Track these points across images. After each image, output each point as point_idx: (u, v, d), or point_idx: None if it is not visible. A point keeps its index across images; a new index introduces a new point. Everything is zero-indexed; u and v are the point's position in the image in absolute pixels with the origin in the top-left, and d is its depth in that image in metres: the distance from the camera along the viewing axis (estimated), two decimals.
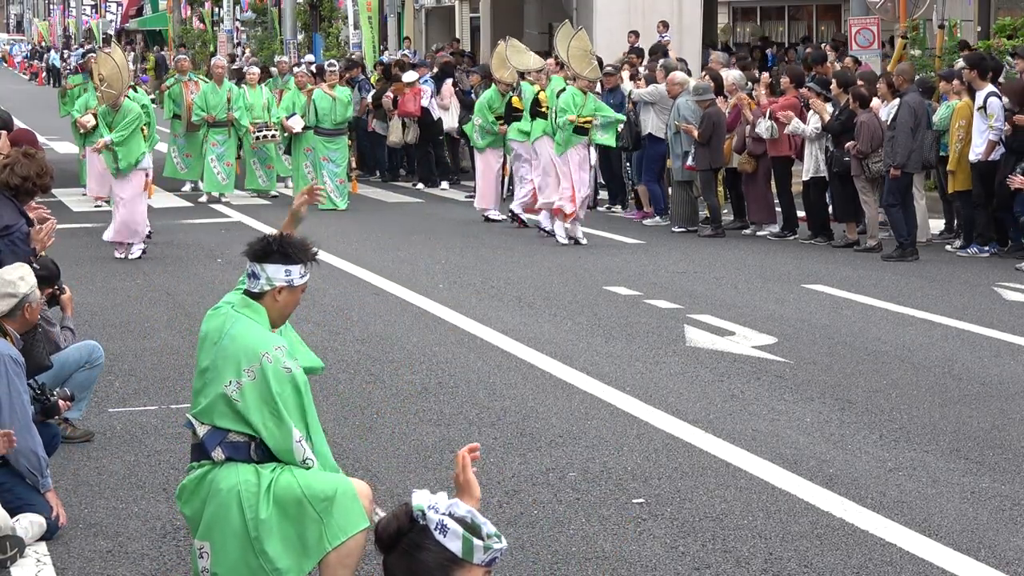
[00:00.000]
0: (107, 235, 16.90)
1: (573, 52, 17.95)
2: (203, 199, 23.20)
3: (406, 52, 33.31)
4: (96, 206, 21.70)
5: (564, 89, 18.01)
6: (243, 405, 5.74)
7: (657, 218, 19.94)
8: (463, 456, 4.10)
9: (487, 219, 20.25)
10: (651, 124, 19.40)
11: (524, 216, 19.46)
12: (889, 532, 7.28)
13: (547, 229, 18.29)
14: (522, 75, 19.93)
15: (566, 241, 17.80)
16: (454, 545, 3.68)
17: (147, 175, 16.84)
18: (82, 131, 21.26)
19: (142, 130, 16.66)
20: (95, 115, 18.67)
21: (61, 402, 8.06)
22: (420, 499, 3.71)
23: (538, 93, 19.09)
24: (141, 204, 16.78)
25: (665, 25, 28.11)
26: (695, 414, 9.56)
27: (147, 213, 17.41)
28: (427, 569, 3.67)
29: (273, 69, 28.10)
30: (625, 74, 20.64)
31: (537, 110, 18.95)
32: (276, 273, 5.85)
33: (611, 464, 8.47)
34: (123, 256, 16.78)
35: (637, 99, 19.57)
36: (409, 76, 25.12)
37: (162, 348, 11.88)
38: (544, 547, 7.14)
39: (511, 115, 19.80)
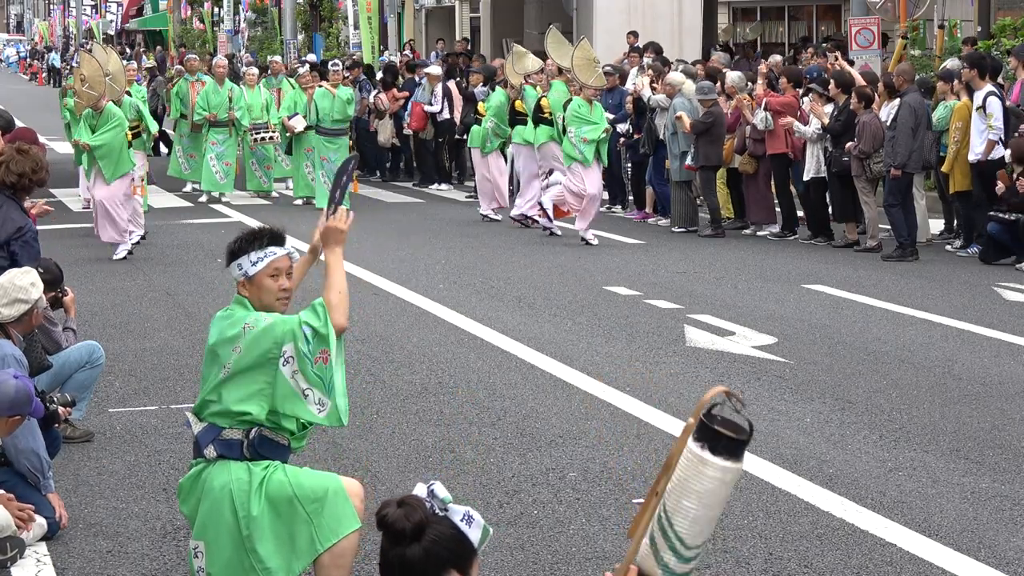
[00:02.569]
0: (103, 237, 16.85)
1: (578, 62, 17.96)
2: (203, 199, 23.21)
3: (406, 53, 33.31)
4: (84, 207, 21.73)
5: (570, 99, 18.02)
6: (236, 376, 5.73)
7: (659, 218, 19.97)
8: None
9: (485, 218, 20.27)
10: (663, 129, 19.36)
11: (523, 217, 19.45)
12: (889, 532, 7.28)
13: (549, 227, 18.32)
14: (525, 78, 19.92)
15: (559, 232, 17.83)
16: (475, 535, 3.71)
17: (132, 179, 16.80)
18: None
19: (127, 137, 16.57)
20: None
21: (61, 409, 8.05)
22: (443, 490, 3.73)
23: (540, 99, 19.08)
24: (121, 202, 16.62)
25: (636, 35, 28.18)
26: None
27: (140, 214, 17.48)
28: (454, 559, 3.68)
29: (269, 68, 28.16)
30: (645, 80, 20.41)
31: (540, 116, 18.91)
32: (233, 271, 5.97)
33: (611, 464, 8.48)
34: (124, 255, 16.78)
35: (655, 105, 19.46)
36: (433, 69, 25.17)
37: (162, 348, 11.88)
38: (544, 547, 7.15)
39: (515, 119, 19.82)
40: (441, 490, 3.76)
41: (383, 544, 3.73)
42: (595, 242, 17.64)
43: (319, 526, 5.74)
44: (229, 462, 5.80)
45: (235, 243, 5.99)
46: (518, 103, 19.79)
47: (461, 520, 3.72)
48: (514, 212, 19.76)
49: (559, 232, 18.35)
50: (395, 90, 25.89)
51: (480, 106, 21.25)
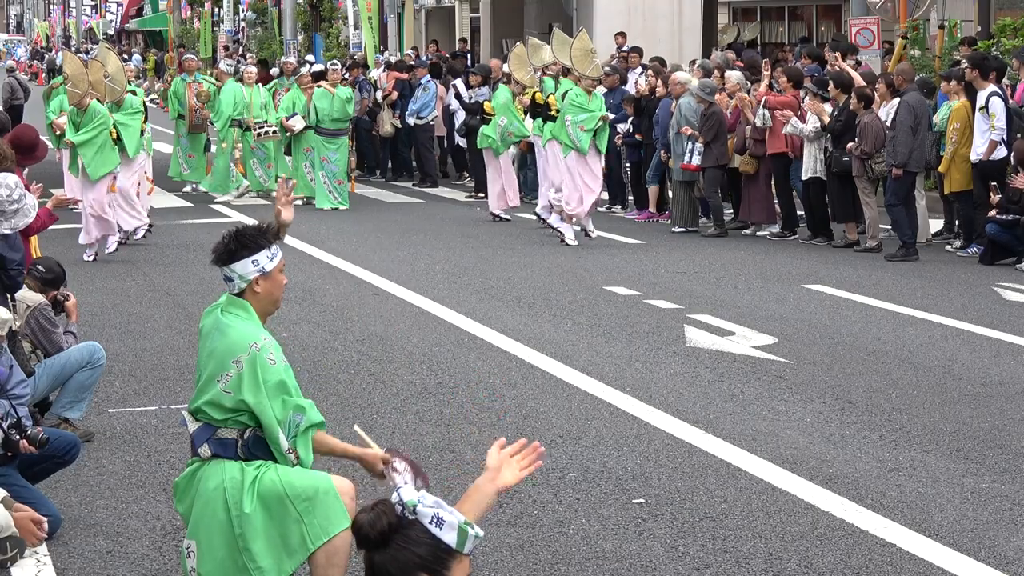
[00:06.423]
0: (81, 238, 16.82)
1: (575, 53, 18.02)
2: (251, 195, 23.28)
3: (409, 52, 33.35)
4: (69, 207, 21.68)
5: (569, 90, 18.01)
6: (233, 395, 5.74)
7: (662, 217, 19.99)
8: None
9: (496, 218, 20.15)
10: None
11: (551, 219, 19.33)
12: (889, 532, 7.28)
13: (556, 227, 18.09)
14: (543, 69, 19.90)
15: (574, 242, 17.62)
16: (449, 537, 3.72)
17: (114, 177, 16.78)
18: (57, 132, 21.17)
19: (111, 134, 16.55)
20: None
21: (23, 443, 7.35)
22: (409, 494, 3.75)
23: (548, 96, 19.05)
24: (108, 202, 16.57)
25: (624, 36, 28.12)
26: (695, 414, 9.56)
27: (139, 209, 17.61)
28: (423, 563, 3.70)
29: (274, 70, 28.14)
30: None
31: (548, 113, 18.86)
32: (245, 268, 5.84)
33: (611, 464, 8.47)
34: (92, 258, 16.65)
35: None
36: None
37: (162, 348, 11.88)
38: (544, 547, 7.14)
39: (536, 112, 19.79)
40: (408, 494, 3.77)
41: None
42: (595, 234, 17.59)
43: (310, 525, 5.75)
44: (223, 461, 5.81)
45: (241, 239, 5.84)
46: (538, 95, 19.76)
47: (430, 523, 3.74)
48: (538, 209, 19.50)
49: (570, 240, 17.99)
50: (396, 72, 25.94)
51: (487, 105, 21.11)
